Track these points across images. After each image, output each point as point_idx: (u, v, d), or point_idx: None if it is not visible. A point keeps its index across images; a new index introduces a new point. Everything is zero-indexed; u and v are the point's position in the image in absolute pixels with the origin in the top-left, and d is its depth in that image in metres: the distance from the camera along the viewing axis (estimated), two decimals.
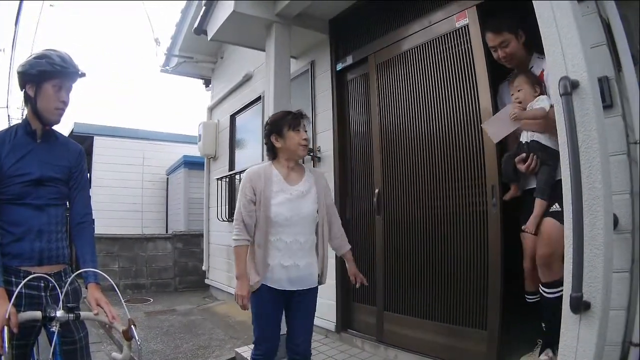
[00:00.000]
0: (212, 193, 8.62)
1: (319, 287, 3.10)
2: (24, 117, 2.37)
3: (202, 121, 9.03)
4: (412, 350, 3.91)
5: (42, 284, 2.17)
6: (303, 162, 3.31)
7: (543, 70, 2.88)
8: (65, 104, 2.30)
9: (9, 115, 21.19)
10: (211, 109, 9.23)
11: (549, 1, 2.12)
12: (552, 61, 2.11)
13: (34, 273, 2.11)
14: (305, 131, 3.01)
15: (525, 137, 2.93)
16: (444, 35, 3.76)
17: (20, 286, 1.96)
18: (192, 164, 11.61)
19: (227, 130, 8.31)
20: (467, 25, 3.53)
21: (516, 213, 3.09)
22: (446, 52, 3.74)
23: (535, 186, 2.88)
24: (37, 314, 1.97)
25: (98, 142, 12.65)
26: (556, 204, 2.67)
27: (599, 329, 1.90)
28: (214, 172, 8.76)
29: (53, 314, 1.96)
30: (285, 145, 2.96)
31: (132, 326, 1.98)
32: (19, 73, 2.24)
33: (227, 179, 7.97)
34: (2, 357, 1.82)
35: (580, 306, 1.91)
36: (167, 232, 12.36)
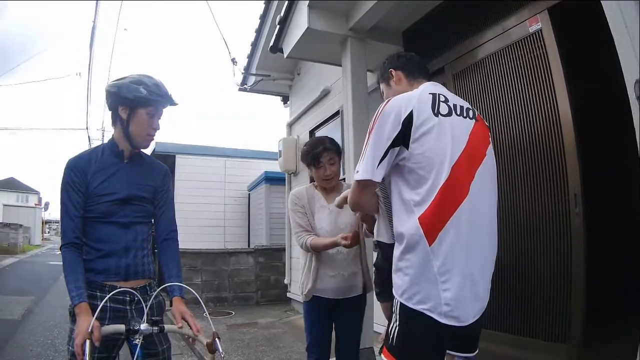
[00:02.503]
0: None
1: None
2: (103, 137, 2.40)
3: (281, 137, 9.18)
4: None
5: (128, 298, 2.22)
6: None
7: None
8: (156, 130, 2.35)
9: (89, 137, 22.46)
10: (290, 125, 9.37)
11: (618, 3, 2.05)
12: (626, 65, 2.05)
13: (119, 287, 2.16)
14: (332, 164, 3.14)
15: None
16: (518, 42, 3.67)
17: (105, 300, 2.01)
18: (273, 180, 11.77)
19: None
20: (541, 30, 3.44)
21: (602, 221, 2.92)
22: (521, 57, 3.64)
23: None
24: (121, 327, 2.02)
25: (180, 160, 13.12)
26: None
27: None
28: (295, 187, 8.76)
29: (137, 327, 1.99)
30: (314, 176, 3.24)
31: (216, 339, 1.99)
32: (111, 93, 2.26)
33: None
34: None
35: None
36: (249, 246, 12.58)
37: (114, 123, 2.35)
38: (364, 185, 2.01)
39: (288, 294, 9.13)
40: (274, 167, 10.62)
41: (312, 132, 8.24)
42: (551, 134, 3.37)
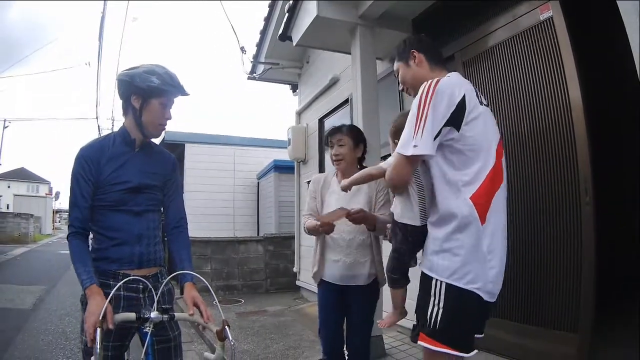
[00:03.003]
0: (303, 196, 8.70)
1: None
2: (113, 126, 2.38)
3: (290, 126, 9.17)
4: (494, 351, 3.76)
5: (141, 286, 2.23)
6: None
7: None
8: (168, 120, 2.35)
9: (99, 126, 22.70)
10: (299, 114, 9.35)
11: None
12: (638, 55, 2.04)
13: (133, 275, 2.16)
14: (341, 145, 3.18)
15: None
16: (529, 29, 3.65)
17: (116, 287, 2.01)
18: (282, 168, 11.82)
19: (316, 134, 8.38)
20: (552, 18, 3.42)
21: (613, 210, 2.89)
22: (532, 45, 3.62)
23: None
24: (132, 316, 2.01)
25: (189, 149, 13.24)
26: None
27: None
28: (304, 175, 8.87)
29: (147, 315, 2.00)
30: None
31: (226, 327, 1.99)
32: (124, 82, 2.24)
33: None
34: (93, 359, 1.81)
35: None
36: (258, 234, 12.63)
37: (125, 112, 2.33)
38: (414, 160, 2.06)
39: (297, 282, 9.14)
40: (283, 155, 10.64)
41: (321, 120, 8.22)
42: (562, 122, 3.35)
